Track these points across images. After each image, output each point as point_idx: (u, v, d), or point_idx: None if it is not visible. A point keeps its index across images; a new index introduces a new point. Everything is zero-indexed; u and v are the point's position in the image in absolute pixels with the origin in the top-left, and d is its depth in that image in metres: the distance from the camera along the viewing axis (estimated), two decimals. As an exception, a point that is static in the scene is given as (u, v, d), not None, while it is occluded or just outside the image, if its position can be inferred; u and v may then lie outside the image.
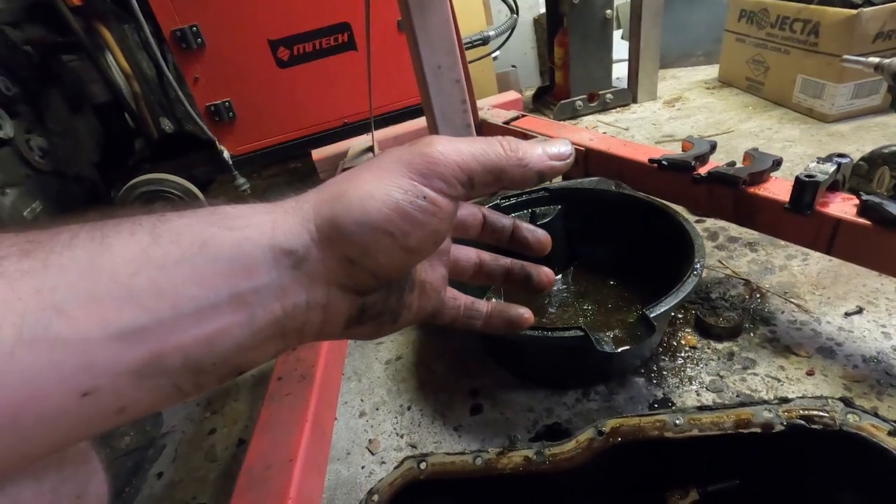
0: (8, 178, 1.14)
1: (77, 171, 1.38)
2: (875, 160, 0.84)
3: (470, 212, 0.33)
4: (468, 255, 0.35)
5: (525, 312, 0.34)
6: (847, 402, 0.37)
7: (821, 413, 0.37)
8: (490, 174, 0.24)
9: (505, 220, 0.34)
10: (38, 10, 1.27)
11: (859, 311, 0.68)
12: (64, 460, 0.26)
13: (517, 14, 1.42)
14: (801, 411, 0.37)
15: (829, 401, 0.37)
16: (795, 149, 1.11)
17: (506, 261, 0.36)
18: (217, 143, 1.25)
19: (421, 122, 1.31)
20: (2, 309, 0.17)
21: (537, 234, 0.35)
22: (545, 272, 0.36)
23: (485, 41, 1.44)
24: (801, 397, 0.38)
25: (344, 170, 1.11)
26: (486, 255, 0.36)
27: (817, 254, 0.64)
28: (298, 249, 0.21)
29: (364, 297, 0.25)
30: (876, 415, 0.35)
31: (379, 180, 0.22)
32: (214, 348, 0.20)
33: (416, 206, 0.22)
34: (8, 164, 1.15)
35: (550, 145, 0.26)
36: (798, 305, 0.71)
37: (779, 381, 0.61)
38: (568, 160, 0.27)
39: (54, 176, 1.28)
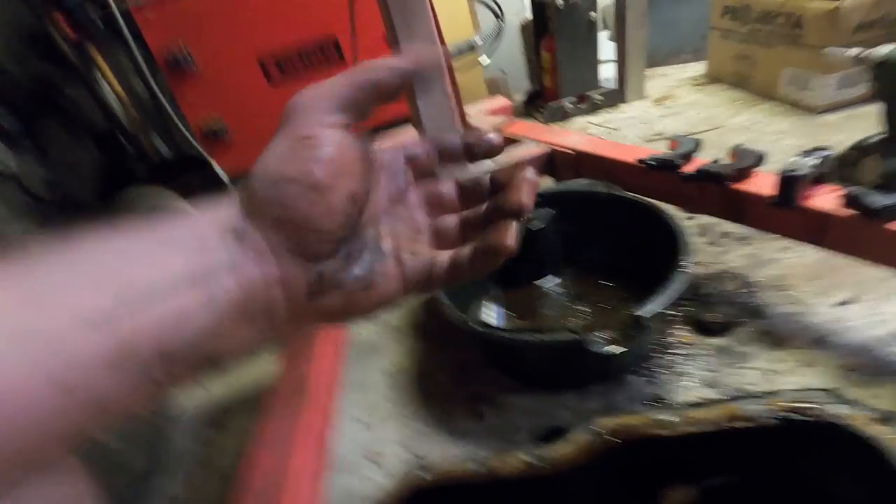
0: (12, 211, 1.15)
1: (79, 199, 1.39)
2: (864, 149, 0.85)
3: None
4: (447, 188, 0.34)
5: (507, 239, 0.29)
6: (833, 392, 0.38)
7: (809, 405, 0.38)
8: (360, 88, 0.26)
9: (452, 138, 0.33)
10: (36, 43, 1.29)
11: (853, 300, 0.68)
12: (58, 482, 0.27)
13: (503, 20, 1.44)
14: (789, 403, 0.38)
15: (817, 392, 0.38)
16: (786, 141, 1.11)
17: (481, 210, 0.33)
18: (213, 162, 1.26)
19: (410, 132, 1.33)
20: None
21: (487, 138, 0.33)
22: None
23: (472, 48, 1.46)
24: (789, 389, 0.39)
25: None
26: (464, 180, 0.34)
27: (810, 246, 0.65)
28: (237, 225, 0.24)
29: (318, 264, 0.26)
30: (861, 404, 0.36)
31: (269, 146, 0.26)
32: (181, 332, 0.21)
33: (298, 145, 0.25)
34: (11, 196, 1.16)
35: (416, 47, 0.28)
36: (792, 297, 0.71)
37: (775, 373, 0.61)
38: (431, 56, 0.28)
39: (57, 205, 1.29)
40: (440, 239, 0.33)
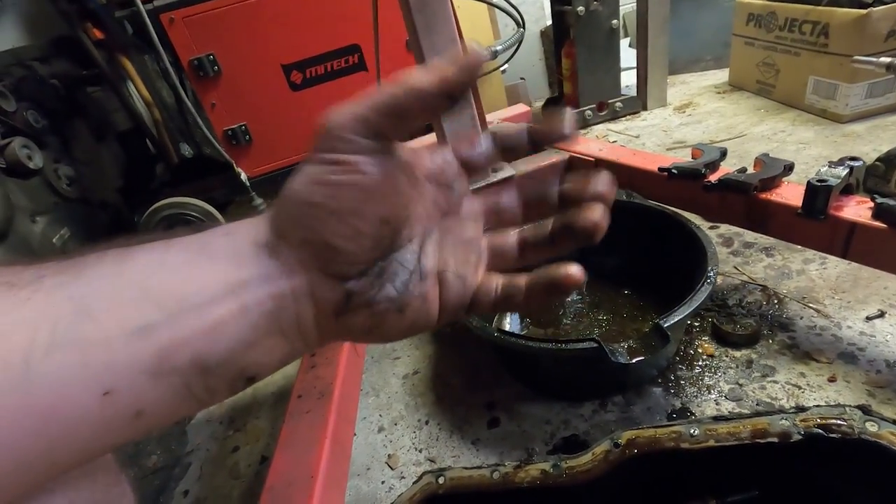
0: (38, 207, 1.18)
1: (102, 198, 1.43)
2: (892, 160, 0.83)
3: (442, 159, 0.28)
4: (509, 239, 0.30)
5: (572, 269, 0.27)
6: (865, 409, 0.37)
7: (839, 422, 0.37)
8: (384, 112, 0.23)
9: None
10: (64, 44, 1.33)
11: (881, 314, 0.67)
12: (95, 482, 0.28)
13: (524, 28, 1.43)
14: (819, 420, 0.37)
15: (847, 409, 0.37)
16: (810, 151, 1.09)
17: (546, 228, 0.29)
18: (234, 165, 1.28)
19: (431, 137, 1.33)
20: (40, 316, 0.19)
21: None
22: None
23: (493, 56, 1.46)
24: (818, 406, 0.38)
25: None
26: (528, 231, 0.30)
27: (835, 257, 0.63)
28: (270, 240, 0.24)
29: (348, 283, 0.25)
30: (895, 422, 0.35)
31: (300, 167, 0.24)
32: (216, 343, 0.22)
33: (325, 170, 0.23)
34: (38, 192, 1.20)
35: (441, 60, 0.23)
36: (817, 310, 0.70)
37: (799, 388, 0.60)
38: (469, 63, 0.23)
39: (81, 203, 1.33)
40: (495, 257, 0.30)
